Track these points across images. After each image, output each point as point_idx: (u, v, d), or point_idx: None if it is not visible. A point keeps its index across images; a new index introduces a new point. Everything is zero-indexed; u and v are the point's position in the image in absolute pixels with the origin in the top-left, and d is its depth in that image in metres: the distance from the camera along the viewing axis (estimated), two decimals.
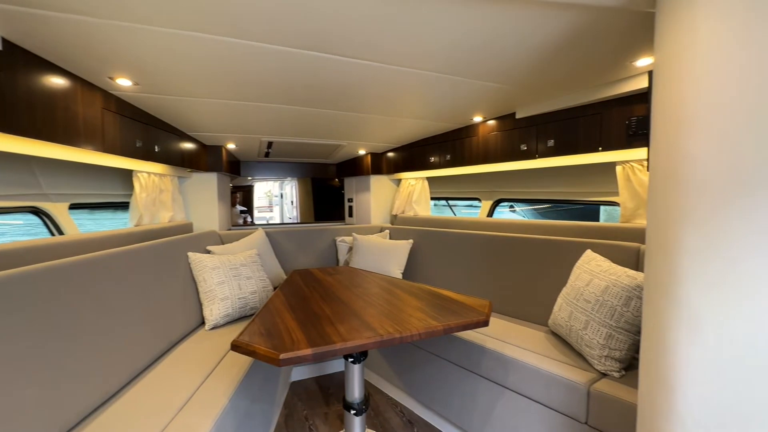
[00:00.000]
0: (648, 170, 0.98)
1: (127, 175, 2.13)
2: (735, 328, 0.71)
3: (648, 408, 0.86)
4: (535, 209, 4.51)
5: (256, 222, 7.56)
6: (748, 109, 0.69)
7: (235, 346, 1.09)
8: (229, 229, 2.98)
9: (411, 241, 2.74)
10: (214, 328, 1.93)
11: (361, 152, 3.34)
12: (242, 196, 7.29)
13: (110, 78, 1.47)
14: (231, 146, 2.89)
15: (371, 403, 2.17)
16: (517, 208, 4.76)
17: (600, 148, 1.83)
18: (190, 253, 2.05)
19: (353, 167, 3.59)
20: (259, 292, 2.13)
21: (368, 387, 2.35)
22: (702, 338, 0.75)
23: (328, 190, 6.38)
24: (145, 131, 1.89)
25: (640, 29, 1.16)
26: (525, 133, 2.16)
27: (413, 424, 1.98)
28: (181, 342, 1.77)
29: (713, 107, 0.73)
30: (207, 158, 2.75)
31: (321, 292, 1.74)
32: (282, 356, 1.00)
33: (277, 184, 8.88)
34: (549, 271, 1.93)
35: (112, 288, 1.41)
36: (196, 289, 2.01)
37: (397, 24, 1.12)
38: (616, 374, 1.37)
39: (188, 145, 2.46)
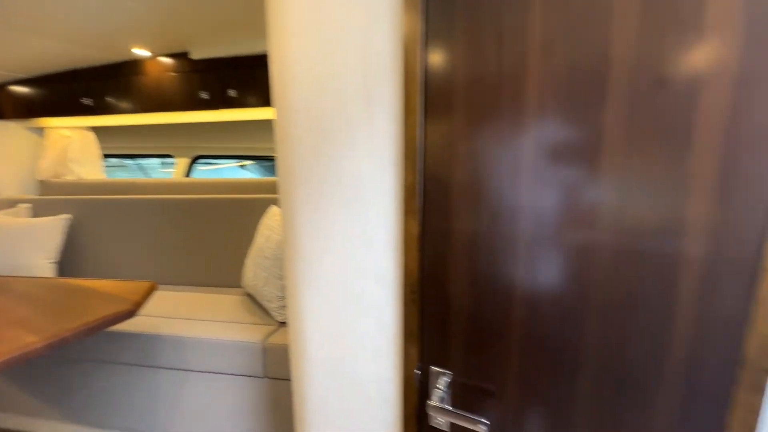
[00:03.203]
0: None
1: None
2: (336, 275, 0.79)
3: (293, 352, 0.91)
4: (263, 166, 4.40)
5: None
6: (329, 70, 0.72)
7: None
8: None
9: (68, 216, 1.98)
10: None
11: None
12: None
13: None
14: None
15: None
16: (246, 163, 4.51)
17: None
18: None
19: None
20: None
21: None
22: (316, 285, 0.80)
23: None
24: None
25: None
26: (205, 79, 1.87)
27: None
28: None
29: (303, 67, 0.73)
30: None
31: None
32: None
33: None
34: (244, 231, 1.84)
35: None
36: None
37: None
38: None
39: None
